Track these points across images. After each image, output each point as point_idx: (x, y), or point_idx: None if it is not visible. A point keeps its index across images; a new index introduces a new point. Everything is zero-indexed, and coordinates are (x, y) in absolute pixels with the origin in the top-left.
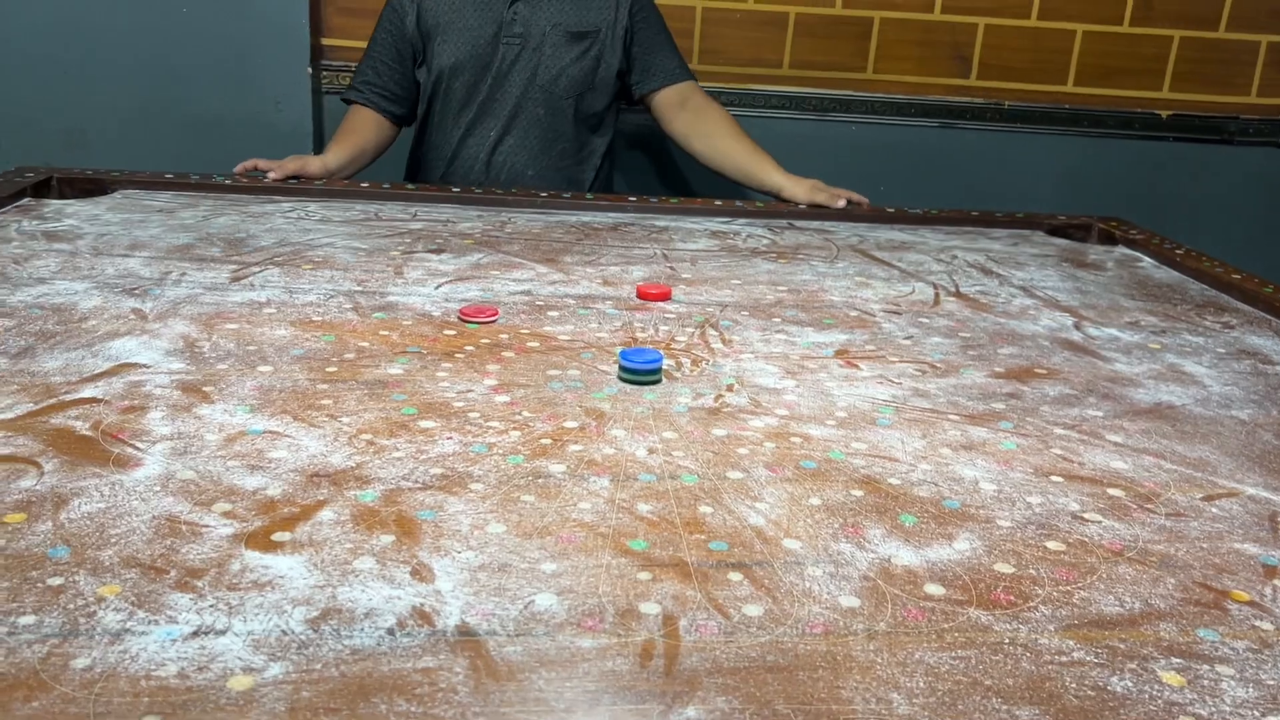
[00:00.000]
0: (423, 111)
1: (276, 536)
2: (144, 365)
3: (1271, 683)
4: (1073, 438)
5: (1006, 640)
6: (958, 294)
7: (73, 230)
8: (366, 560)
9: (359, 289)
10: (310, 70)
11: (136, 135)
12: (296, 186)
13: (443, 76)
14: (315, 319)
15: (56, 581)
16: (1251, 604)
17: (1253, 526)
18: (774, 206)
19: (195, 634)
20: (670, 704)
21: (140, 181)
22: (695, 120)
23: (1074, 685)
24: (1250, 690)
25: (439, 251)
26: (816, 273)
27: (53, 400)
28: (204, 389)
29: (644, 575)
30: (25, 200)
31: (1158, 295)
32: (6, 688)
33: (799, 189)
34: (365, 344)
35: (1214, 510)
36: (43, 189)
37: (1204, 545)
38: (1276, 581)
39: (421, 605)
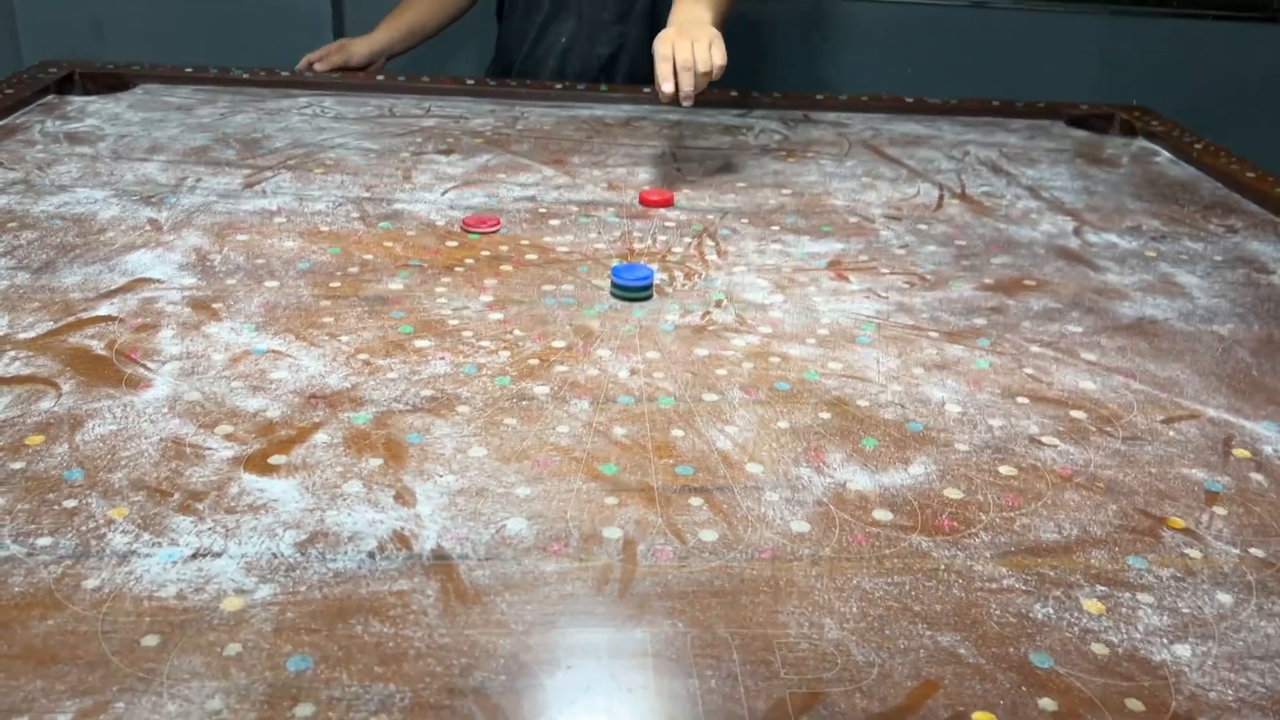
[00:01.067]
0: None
1: (273, 459)
2: (157, 280)
3: (1186, 611)
4: (1047, 356)
5: (942, 567)
6: (962, 195)
7: (94, 131)
8: (354, 484)
9: (367, 195)
10: None
11: (155, 26)
12: (312, 79)
13: None
14: (323, 229)
15: (71, 504)
16: (1185, 531)
17: (1205, 450)
18: (790, 96)
19: (194, 556)
20: (620, 626)
21: (161, 75)
22: None
23: (998, 612)
24: (1164, 618)
25: (448, 152)
26: (824, 173)
27: (71, 318)
28: (213, 305)
29: (611, 500)
30: (50, 98)
31: (1167, 195)
32: (25, 605)
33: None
34: (369, 256)
35: (1171, 433)
36: (66, 85)
37: (1153, 470)
38: (1215, 508)
39: (401, 529)
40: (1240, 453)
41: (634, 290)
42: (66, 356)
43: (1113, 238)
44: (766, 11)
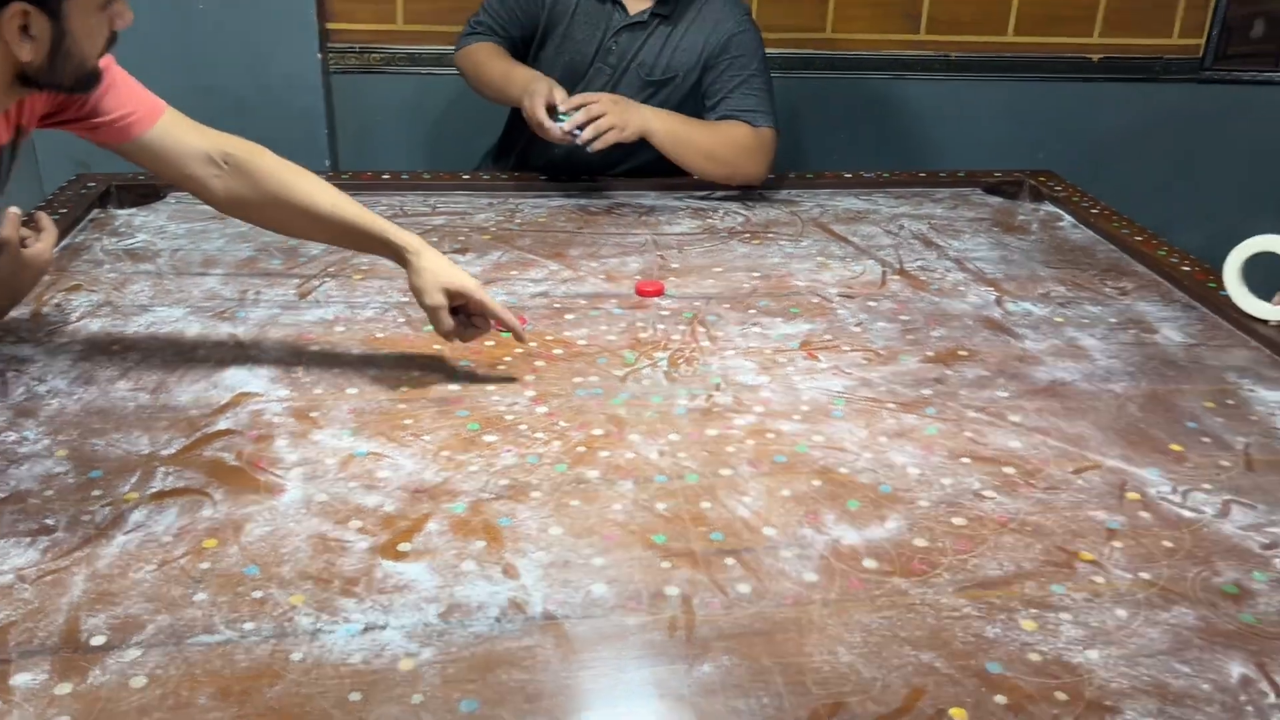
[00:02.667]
0: None
1: (401, 547)
2: (257, 394)
3: (1095, 624)
4: (982, 420)
5: (918, 601)
6: (901, 271)
7: (148, 247)
8: (469, 563)
9: (406, 299)
10: (320, 54)
11: None
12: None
13: (545, 65)
14: (379, 335)
15: (259, 594)
16: (1093, 562)
17: (1105, 495)
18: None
19: (366, 630)
20: (692, 663)
21: None
22: None
23: (961, 634)
24: (1080, 631)
25: (463, 251)
26: (784, 254)
27: (199, 434)
28: (311, 414)
29: (665, 564)
30: (96, 213)
31: (1070, 260)
32: (254, 676)
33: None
34: (425, 359)
35: (1079, 482)
36: (104, 198)
37: (1066, 514)
38: (1114, 542)
39: (514, 597)
40: (1132, 495)
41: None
42: (208, 469)
43: (1028, 305)
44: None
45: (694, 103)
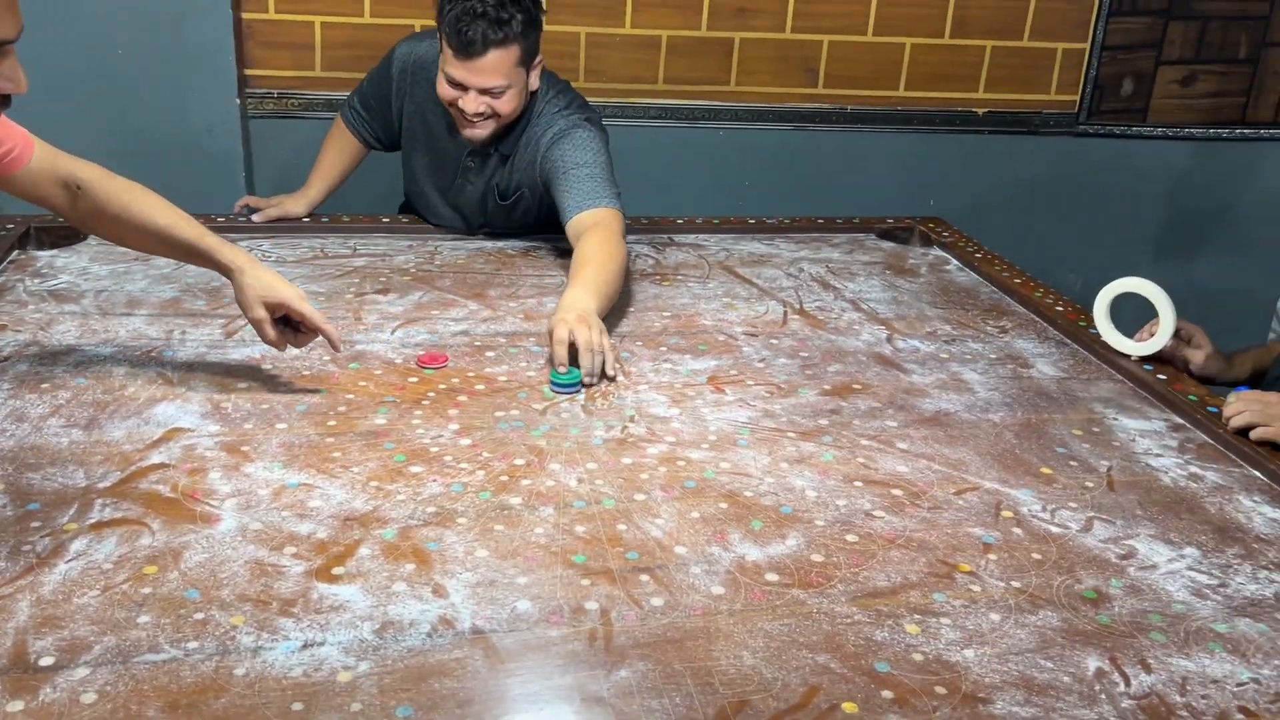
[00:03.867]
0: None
1: (335, 570)
2: (189, 430)
3: (972, 628)
4: (873, 447)
5: (815, 610)
6: (801, 311)
7: (72, 288)
8: (400, 584)
9: None
10: (238, 100)
11: None
12: (244, 224)
13: (411, 170)
14: (305, 373)
15: (200, 616)
16: (970, 573)
17: (982, 513)
18: (655, 222)
19: (305, 646)
20: (610, 669)
21: None
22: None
23: (853, 638)
24: (958, 633)
25: (385, 292)
26: (693, 295)
27: (133, 468)
28: (242, 448)
29: (585, 581)
30: (16, 254)
31: (955, 301)
32: (200, 690)
33: (558, 323)
34: (351, 396)
35: (960, 502)
36: (24, 239)
37: (948, 531)
38: (989, 555)
39: (444, 614)
40: (1006, 513)
41: (569, 386)
42: (145, 500)
43: (916, 343)
44: (623, 137)
45: (550, 208)
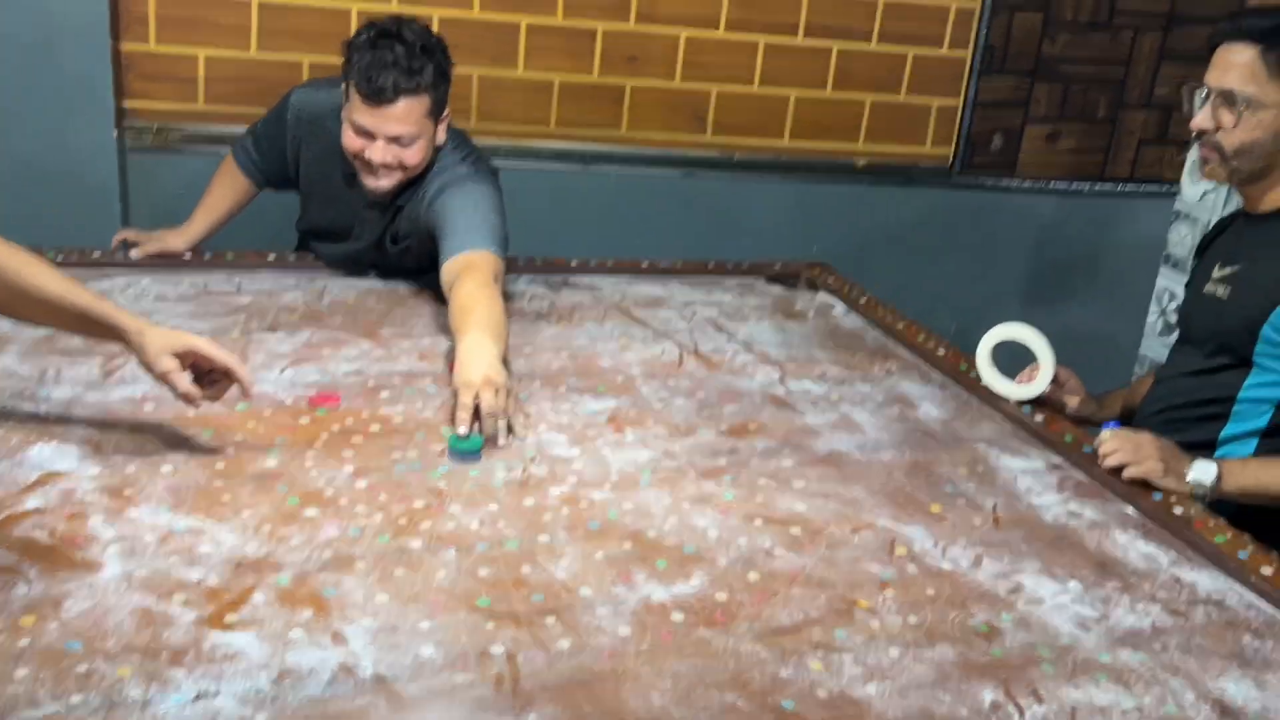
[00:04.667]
0: (299, 225)
1: (228, 618)
2: (66, 473)
3: (872, 662)
4: (771, 486)
5: (721, 649)
6: (696, 353)
7: None
8: (298, 631)
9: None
10: (115, 132)
11: None
12: (122, 260)
13: (310, 217)
14: (190, 413)
15: (84, 668)
16: (869, 609)
17: (878, 550)
18: (550, 263)
19: (198, 698)
20: (518, 715)
21: None
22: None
23: (759, 676)
24: (859, 669)
25: (273, 329)
26: (589, 335)
27: (6, 513)
28: (124, 492)
29: (490, 625)
30: None
31: (843, 344)
32: None
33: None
34: (240, 437)
35: (856, 540)
36: None
37: (846, 568)
38: (887, 591)
39: (345, 662)
40: (900, 550)
41: (469, 454)
42: (19, 548)
43: (808, 384)
44: (516, 179)
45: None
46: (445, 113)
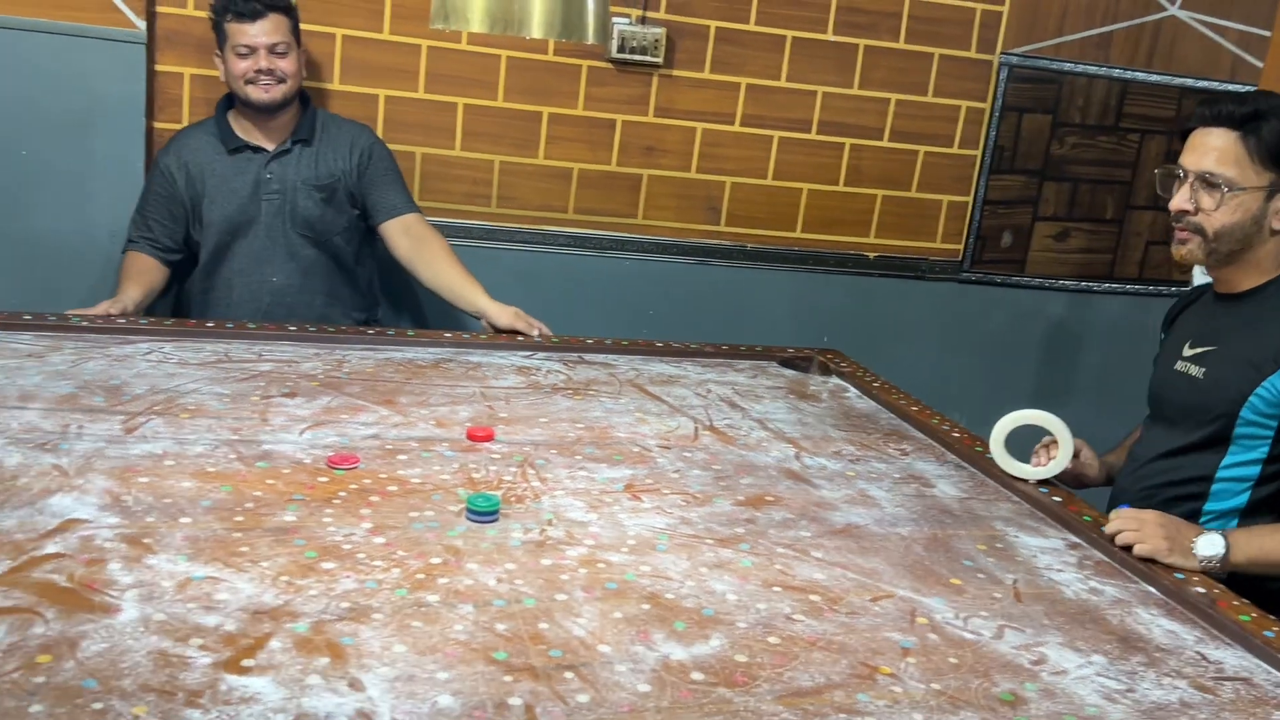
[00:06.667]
0: (203, 257)
1: (245, 662)
2: (86, 520)
3: None
4: (789, 555)
5: (741, 709)
6: (711, 428)
7: None
8: (314, 677)
9: (235, 437)
10: None
11: None
12: (148, 326)
13: (213, 228)
14: (210, 470)
15: (99, 705)
16: (891, 675)
17: (899, 619)
18: (566, 342)
19: None
20: None
21: (0, 323)
22: (416, 247)
23: None
24: None
25: (292, 395)
26: (605, 409)
27: (25, 557)
28: (144, 541)
29: (508, 678)
30: None
31: (857, 425)
32: None
33: (502, 315)
34: (259, 493)
35: (876, 608)
36: None
37: (867, 635)
38: (909, 658)
39: (362, 708)
40: (921, 619)
41: (487, 514)
42: (38, 589)
43: (823, 460)
44: (532, 262)
45: (350, 199)
46: (302, 46)
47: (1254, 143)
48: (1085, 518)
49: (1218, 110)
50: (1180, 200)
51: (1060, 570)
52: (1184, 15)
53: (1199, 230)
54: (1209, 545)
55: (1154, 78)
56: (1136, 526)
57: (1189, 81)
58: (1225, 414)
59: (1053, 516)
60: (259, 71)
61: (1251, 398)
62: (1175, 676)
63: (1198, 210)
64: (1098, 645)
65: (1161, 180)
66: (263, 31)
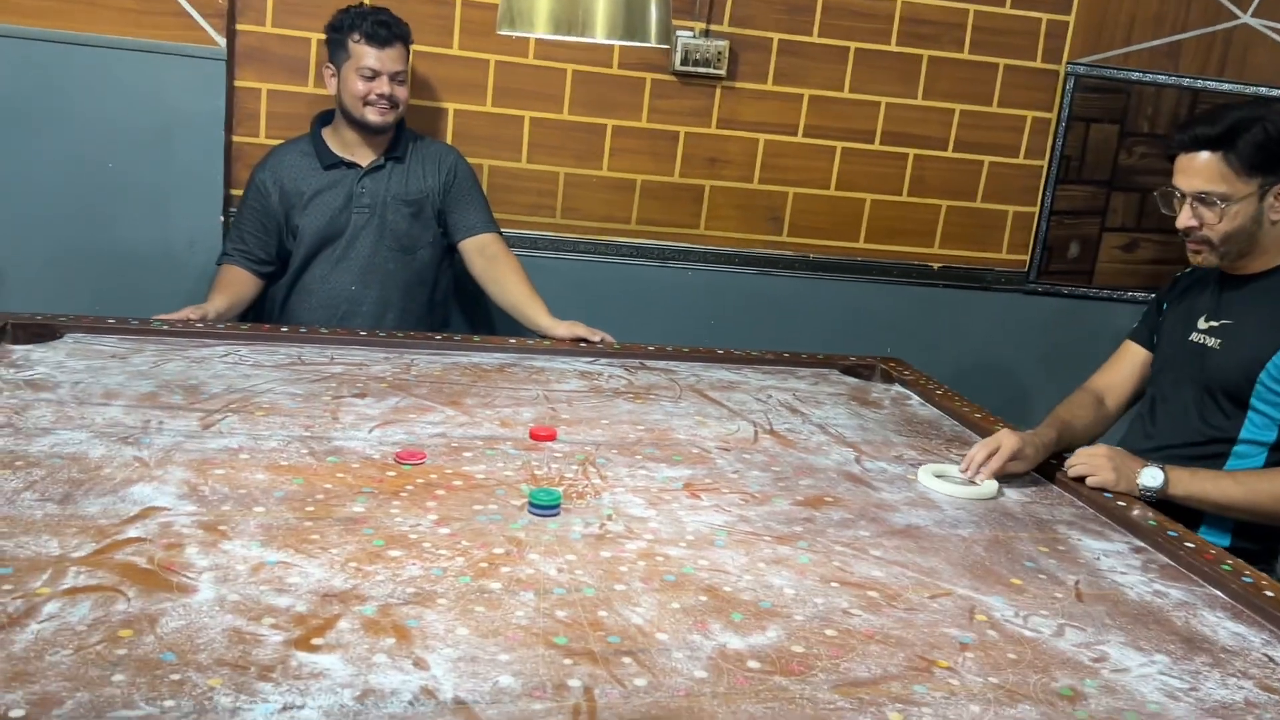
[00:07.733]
0: (291, 266)
1: (315, 641)
2: (165, 508)
3: (953, 718)
4: (848, 553)
5: (798, 696)
6: (771, 431)
7: (48, 378)
8: (381, 656)
9: (307, 434)
10: (222, 218)
11: (56, 275)
12: (224, 330)
13: (305, 240)
14: (282, 463)
15: (176, 677)
16: (949, 668)
17: (957, 616)
18: (627, 349)
19: (284, 709)
20: None
21: (85, 326)
22: (489, 266)
23: None
24: None
25: (362, 396)
26: (665, 412)
27: (109, 540)
28: (219, 528)
29: (567, 661)
30: None
31: (919, 431)
32: None
33: (559, 329)
34: (329, 485)
35: (934, 605)
36: None
37: (925, 630)
38: (966, 653)
39: (426, 685)
40: (980, 617)
41: (549, 508)
42: (120, 570)
43: (883, 464)
44: (595, 272)
45: (436, 216)
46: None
47: (1233, 158)
48: (1150, 521)
49: (1194, 135)
50: (1185, 219)
51: (1124, 573)
52: (1256, 23)
53: (1207, 241)
54: (1150, 477)
55: (1226, 86)
56: (1087, 460)
57: (1262, 90)
58: (1245, 381)
59: (1117, 521)
60: (380, 95)
61: (1269, 365)
62: (1241, 677)
63: (1202, 225)
64: (1161, 645)
65: (1163, 200)
66: (390, 59)
